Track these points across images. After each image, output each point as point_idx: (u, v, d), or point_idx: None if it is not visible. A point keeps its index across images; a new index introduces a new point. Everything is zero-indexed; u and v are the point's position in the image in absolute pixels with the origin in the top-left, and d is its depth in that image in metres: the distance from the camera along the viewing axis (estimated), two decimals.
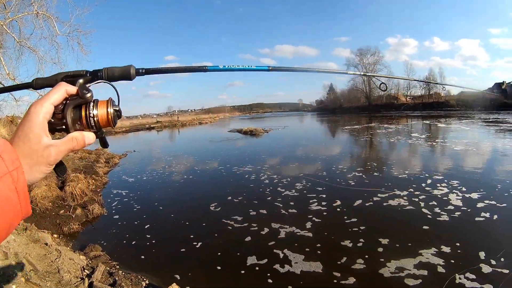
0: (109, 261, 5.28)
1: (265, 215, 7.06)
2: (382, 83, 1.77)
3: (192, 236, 6.16)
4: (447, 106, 57.60)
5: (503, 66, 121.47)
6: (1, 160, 0.59)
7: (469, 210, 6.48)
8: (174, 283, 4.27)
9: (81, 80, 0.83)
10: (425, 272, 4.38)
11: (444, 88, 70.78)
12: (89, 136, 0.73)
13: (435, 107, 60.25)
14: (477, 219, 5.97)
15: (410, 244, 5.18)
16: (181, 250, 5.61)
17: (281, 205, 7.63)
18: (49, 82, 0.91)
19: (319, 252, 5.18)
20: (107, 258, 5.36)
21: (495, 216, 6.04)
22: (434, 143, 16.42)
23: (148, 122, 68.01)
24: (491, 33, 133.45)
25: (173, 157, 17.53)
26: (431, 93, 73.32)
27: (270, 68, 1.14)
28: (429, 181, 8.67)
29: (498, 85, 59.95)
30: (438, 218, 6.14)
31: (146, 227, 6.82)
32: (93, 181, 10.47)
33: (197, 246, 5.70)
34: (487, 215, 6.10)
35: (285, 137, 27.14)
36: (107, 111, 0.74)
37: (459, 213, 6.35)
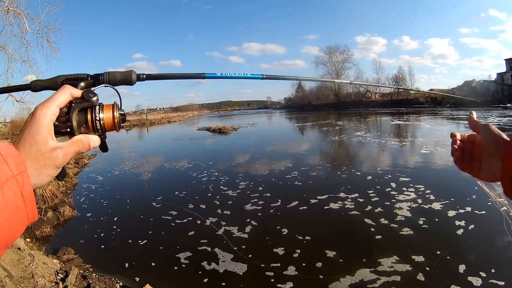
0: (82, 264, 5.23)
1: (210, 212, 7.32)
2: (368, 91, 1.91)
3: (162, 233, 6.30)
4: (416, 103, 58.96)
5: (472, 64, 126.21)
6: (5, 164, 0.58)
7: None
8: (148, 284, 4.33)
9: (82, 84, 0.83)
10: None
11: (417, 89, 72.66)
12: (94, 139, 0.73)
13: (404, 104, 61.77)
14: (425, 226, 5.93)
15: (348, 254, 5.12)
16: (151, 249, 5.69)
17: (221, 204, 7.93)
18: (48, 84, 0.91)
19: (250, 255, 5.24)
20: (80, 261, 5.31)
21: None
22: (398, 142, 17.09)
23: None
24: (461, 32, 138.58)
25: (142, 156, 17.27)
26: (400, 90, 74.97)
27: (264, 76, 1.20)
28: (384, 184, 8.68)
29: (468, 83, 62.23)
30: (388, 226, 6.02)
31: (117, 228, 6.80)
32: (63, 182, 10.28)
33: (166, 245, 5.77)
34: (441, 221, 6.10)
35: (254, 134, 27.36)
36: (113, 114, 0.74)
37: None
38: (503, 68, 55.97)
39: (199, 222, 6.81)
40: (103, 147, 0.79)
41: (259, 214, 7.09)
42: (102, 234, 6.57)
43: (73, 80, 0.84)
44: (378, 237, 5.56)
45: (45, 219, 7.09)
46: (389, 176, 9.37)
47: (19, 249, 4.84)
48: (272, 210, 7.26)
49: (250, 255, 5.22)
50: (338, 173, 10.53)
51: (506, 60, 55.68)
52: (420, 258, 4.73)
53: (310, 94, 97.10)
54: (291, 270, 4.71)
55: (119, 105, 0.78)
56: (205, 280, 4.63)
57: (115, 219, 7.39)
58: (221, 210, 7.47)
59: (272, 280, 4.55)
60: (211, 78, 1.10)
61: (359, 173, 10.22)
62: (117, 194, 9.66)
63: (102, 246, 6.00)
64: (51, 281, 4.39)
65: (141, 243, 5.98)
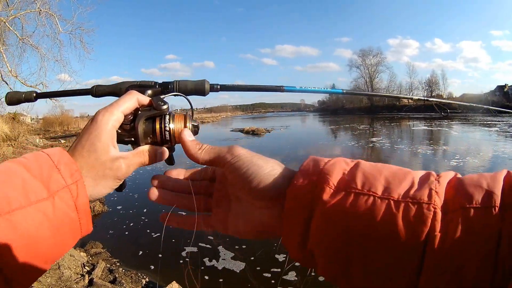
0: (110, 258, 5.29)
1: None
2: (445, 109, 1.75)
3: (191, 234, 6.16)
4: (449, 109, 57.34)
5: (505, 69, 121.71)
6: (58, 172, 0.53)
7: None
8: (174, 281, 4.27)
9: (150, 91, 0.77)
10: None
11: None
12: (161, 152, 0.68)
13: (438, 108, 59.96)
14: None
15: None
16: (181, 247, 5.62)
17: None
18: (111, 90, 0.87)
19: (252, 258, 5.22)
20: (107, 255, 5.37)
21: None
22: (428, 150, 16.54)
23: None
24: (493, 35, 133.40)
25: (175, 154, 17.49)
26: (433, 94, 73.40)
27: (344, 91, 1.13)
28: None
29: (500, 88, 60.09)
30: None
31: (147, 224, 6.82)
32: None
33: (197, 244, 5.71)
34: None
35: (286, 137, 27.19)
36: (185, 126, 0.69)
37: None
38: None
39: None
40: (170, 160, 0.75)
41: None
42: (131, 229, 6.67)
43: (139, 87, 0.79)
44: None
45: None
46: None
47: None
48: None
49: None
50: None
51: None
52: None
53: (343, 97, 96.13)
54: (291, 276, 4.56)
55: (191, 116, 0.74)
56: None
57: (145, 210, 7.55)
58: None
59: (269, 281, 4.54)
60: (290, 91, 1.02)
61: None
62: (146, 187, 9.71)
63: (131, 242, 6.07)
64: (77, 273, 4.42)
65: (168, 239, 5.95)
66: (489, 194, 0.39)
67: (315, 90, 1.07)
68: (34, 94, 0.98)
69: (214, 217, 0.67)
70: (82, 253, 5.24)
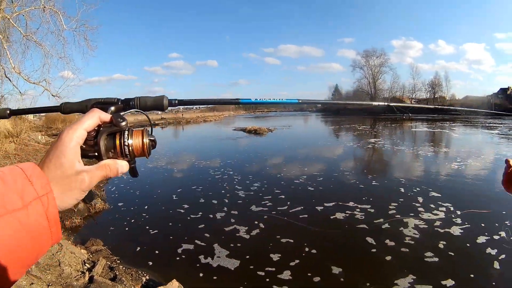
0: (110, 256, 5.31)
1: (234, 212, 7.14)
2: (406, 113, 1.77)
3: (192, 232, 6.21)
4: (451, 110, 57.41)
5: (508, 71, 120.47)
6: (30, 184, 0.56)
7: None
8: (174, 279, 4.29)
9: (112, 108, 0.82)
10: None
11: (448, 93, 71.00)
12: (123, 165, 0.71)
13: (439, 110, 59.82)
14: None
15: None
16: (182, 245, 5.66)
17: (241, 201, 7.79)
18: (78, 107, 0.91)
19: (247, 257, 5.20)
20: (108, 253, 5.39)
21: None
22: (429, 152, 16.63)
23: (153, 118, 67.61)
24: (497, 37, 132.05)
25: (176, 154, 17.60)
26: (436, 96, 73.22)
27: (300, 101, 1.15)
28: (409, 198, 7.99)
29: (503, 90, 59.94)
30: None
31: (147, 222, 6.86)
32: None
33: (197, 243, 5.73)
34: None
35: (288, 136, 27.31)
36: (142, 141, 0.72)
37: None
38: None
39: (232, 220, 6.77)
40: (133, 172, 0.77)
41: (266, 216, 7.04)
42: (131, 226, 6.71)
43: (103, 104, 0.85)
44: (389, 257, 5.10)
45: (75, 210, 7.22)
46: (417, 189, 8.76)
47: None
48: (279, 214, 7.12)
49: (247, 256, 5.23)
50: (366, 181, 10.10)
51: None
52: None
53: (346, 97, 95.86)
54: (285, 275, 4.60)
55: (150, 131, 0.76)
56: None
57: (145, 207, 7.72)
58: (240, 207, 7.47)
59: (263, 280, 4.55)
60: (246, 104, 1.07)
61: (386, 182, 9.91)
62: (149, 191, 9.78)
63: (131, 240, 6.07)
64: (78, 270, 4.44)
65: (168, 236, 6.08)
66: None
67: (269, 101, 1.10)
68: (8, 112, 1.04)
69: None
70: (82, 250, 5.26)
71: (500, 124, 30.20)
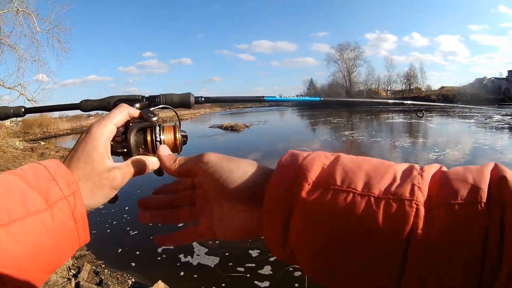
0: (95, 260, 5.27)
1: None
2: (420, 110, 1.84)
3: (171, 231, 6.17)
4: (427, 101, 58.50)
5: (483, 62, 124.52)
6: (55, 183, 0.53)
7: None
8: (160, 280, 4.30)
9: (137, 105, 0.79)
10: None
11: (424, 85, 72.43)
12: (154, 162, 0.70)
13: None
14: None
15: None
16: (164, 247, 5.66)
17: None
18: (99, 104, 0.89)
19: (226, 254, 5.24)
20: (92, 257, 5.35)
21: None
22: (407, 143, 17.46)
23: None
24: (471, 29, 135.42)
25: None
26: (411, 87, 74.69)
27: (322, 99, 1.17)
28: None
29: (479, 81, 61.72)
30: None
31: (128, 224, 6.82)
32: None
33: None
34: None
35: (265, 131, 27.49)
36: (175, 136, 0.71)
37: None
38: None
39: None
40: (159, 171, 0.75)
41: None
42: (113, 229, 6.67)
43: (127, 101, 0.78)
44: None
45: None
46: None
47: None
48: None
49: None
50: None
51: None
52: None
53: (321, 91, 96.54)
54: (266, 270, 4.64)
55: (180, 126, 0.75)
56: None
57: (126, 208, 7.46)
58: None
59: (244, 275, 4.60)
60: (271, 101, 1.08)
61: None
62: (129, 191, 9.58)
63: (115, 243, 6.02)
64: (63, 277, 4.40)
65: (148, 237, 5.97)
66: (475, 189, 0.38)
67: (294, 99, 1.15)
68: (23, 109, 0.99)
69: (202, 225, 0.65)
70: None
71: (476, 113, 30.94)
